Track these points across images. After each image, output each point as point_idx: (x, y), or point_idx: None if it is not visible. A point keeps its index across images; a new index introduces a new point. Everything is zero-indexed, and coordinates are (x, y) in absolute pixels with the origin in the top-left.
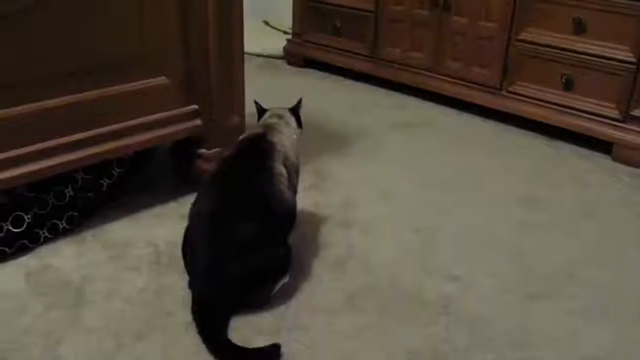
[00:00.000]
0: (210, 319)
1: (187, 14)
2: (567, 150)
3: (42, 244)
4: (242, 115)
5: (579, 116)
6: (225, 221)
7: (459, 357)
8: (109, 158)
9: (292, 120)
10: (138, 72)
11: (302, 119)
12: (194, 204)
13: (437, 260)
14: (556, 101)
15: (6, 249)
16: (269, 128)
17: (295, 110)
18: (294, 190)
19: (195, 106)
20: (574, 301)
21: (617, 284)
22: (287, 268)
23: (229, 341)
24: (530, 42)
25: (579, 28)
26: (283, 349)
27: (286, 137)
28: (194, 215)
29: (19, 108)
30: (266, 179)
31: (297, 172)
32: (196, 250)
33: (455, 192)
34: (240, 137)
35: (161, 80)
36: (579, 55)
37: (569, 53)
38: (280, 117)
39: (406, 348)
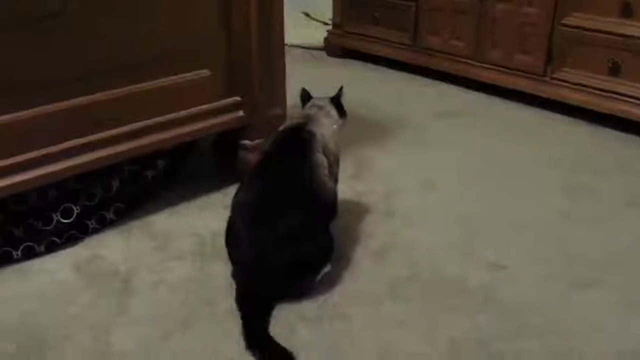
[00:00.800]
0: (253, 311)
1: (229, 6)
2: (613, 137)
3: (90, 235)
4: (284, 106)
5: (626, 101)
6: (268, 211)
7: (502, 345)
8: (153, 150)
9: (332, 111)
10: (181, 65)
11: (345, 107)
12: (236, 195)
13: (480, 249)
14: (602, 87)
15: (56, 240)
16: (308, 118)
17: (336, 100)
18: (335, 179)
19: (237, 98)
20: (620, 291)
21: None
22: (330, 257)
23: (269, 336)
24: (575, 27)
25: (626, 11)
26: (326, 337)
27: (325, 127)
28: (237, 206)
29: (67, 102)
30: (307, 169)
31: (337, 161)
32: (240, 241)
33: (497, 181)
34: (280, 128)
35: (204, 73)
36: (625, 40)
37: (615, 37)
38: (320, 107)
39: (449, 337)
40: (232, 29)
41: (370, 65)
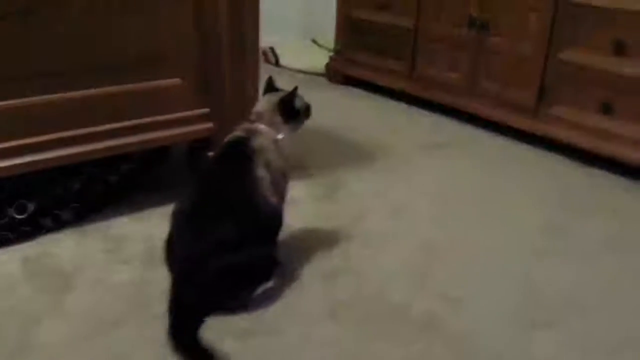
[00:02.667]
0: (181, 318)
1: (201, 18)
2: (603, 178)
3: (45, 233)
4: None
5: (618, 142)
6: (200, 222)
7: None
8: (119, 153)
9: (276, 117)
10: (152, 72)
11: (298, 109)
12: (175, 205)
13: (434, 280)
14: (594, 125)
15: (9, 234)
16: (250, 132)
17: (285, 102)
18: (280, 194)
19: (207, 109)
20: (576, 335)
21: (631, 321)
22: (269, 273)
23: (196, 341)
24: (569, 63)
25: (620, 49)
26: (252, 352)
27: (268, 140)
28: (173, 215)
29: (32, 99)
30: (247, 184)
31: (284, 175)
32: (174, 248)
33: (471, 214)
34: (225, 139)
35: (175, 81)
36: (619, 78)
37: (608, 75)
38: (261, 117)
39: None
40: (205, 42)
41: (369, 94)
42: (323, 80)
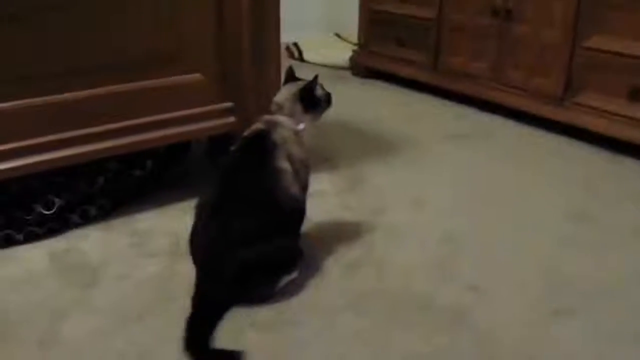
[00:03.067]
0: (201, 314)
1: (223, 12)
2: (631, 166)
3: (72, 229)
4: None
5: None
6: (224, 213)
7: None
8: (141, 149)
9: (296, 106)
10: (173, 68)
11: (320, 97)
12: (199, 198)
13: (458, 270)
14: (621, 113)
15: (36, 230)
16: (270, 124)
17: (305, 92)
18: (302, 186)
19: (230, 103)
20: (603, 323)
21: None
22: (293, 265)
23: (207, 344)
24: (596, 50)
25: None
26: (274, 343)
27: (288, 131)
28: (197, 208)
29: (60, 96)
30: (269, 175)
31: (306, 166)
32: (198, 242)
33: (496, 204)
34: (245, 133)
35: (196, 77)
36: None
37: (636, 61)
38: (281, 107)
39: (402, 354)
40: (225, 35)
41: (392, 86)
42: (347, 74)
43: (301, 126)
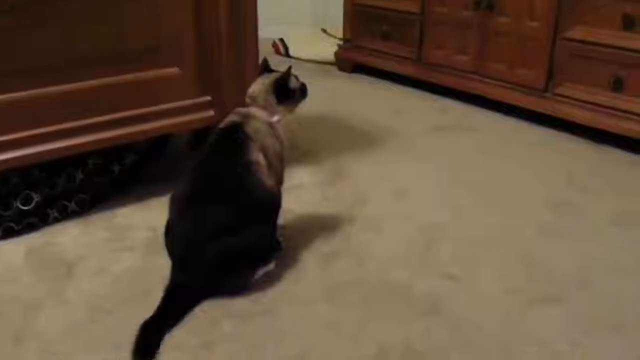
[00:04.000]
0: (165, 311)
1: (201, 7)
2: (613, 155)
3: (51, 224)
4: None
5: (628, 119)
6: (198, 206)
7: (432, 356)
8: (120, 143)
9: (270, 98)
10: (151, 62)
11: (294, 88)
12: (174, 190)
13: (436, 259)
14: (604, 103)
15: (14, 225)
16: (243, 116)
17: (279, 83)
18: (277, 178)
19: (208, 97)
20: (581, 311)
21: (638, 297)
22: (268, 256)
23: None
24: (577, 40)
25: (629, 23)
26: (249, 333)
27: (262, 123)
28: (171, 200)
29: (35, 91)
30: (241, 168)
31: (280, 159)
32: (173, 235)
33: (477, 194)
34: (220, 125)
35: (174, 70)
36: (628, 53)
37: (617, 51)
38: (255, 99)
39: (378, 342)
40: (203, 29)
41: (377, 80)
42: (333, 69)
43: (275, 118)
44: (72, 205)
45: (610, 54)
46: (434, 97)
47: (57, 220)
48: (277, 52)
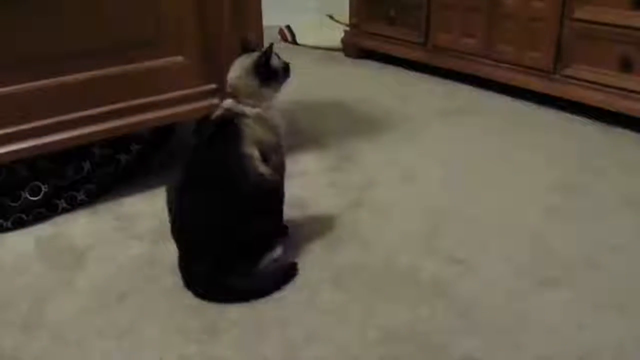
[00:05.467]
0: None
1: None
2: (623, 137)
3: (60, 214)
4: None
5: (638, 100)
6: (192, 202)
7: (437, 339)
8: (125, 133)
9: (253, 84)
10: (155, 51)
11: (277, 66)
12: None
13: (444, 243)
14: (613, 84)
15: (23, 216)
16: (232, 109)
17: (261, 63)
18: (275, 167)
19: (213, 85)
20: (589, 293)
21: None
22: (274, 242)
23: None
24: (585, 21)
25: (637, 2)
26: (254, 318)
27: (251, 112)
28: (168, 191)
29: (42, 82)
30: (236, 161)
31: (275, 150)
32: (178, 225)
33: (484, 178)
34: (213, 115)
35: (178, 59)
36: (638, 33)
37: (626, 30)
38: (236, 87)
39: (383, 326)
40: (206, 17)
41: (384, 65)
42: (340, 55)
43: (264, 105)
44: (80, 195)
45: (619, 33)
46: (442, 81)
47: (66, 210)
48: (284, 39)
